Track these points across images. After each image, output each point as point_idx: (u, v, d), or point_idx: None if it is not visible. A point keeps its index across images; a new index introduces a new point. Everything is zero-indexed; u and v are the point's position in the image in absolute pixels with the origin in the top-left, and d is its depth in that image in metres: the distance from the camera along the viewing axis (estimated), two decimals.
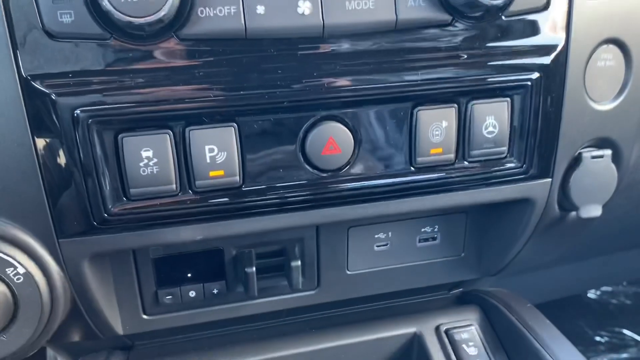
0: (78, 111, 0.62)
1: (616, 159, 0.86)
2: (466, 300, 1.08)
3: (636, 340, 2.07)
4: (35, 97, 0.61)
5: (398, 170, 0.74)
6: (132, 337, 0.95)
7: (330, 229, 0.87)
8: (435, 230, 0.93)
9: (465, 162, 0.76)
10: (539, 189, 0.83)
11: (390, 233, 0.91)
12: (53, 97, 0.61)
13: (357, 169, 0.73)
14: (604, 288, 2.32)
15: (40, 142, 0.63)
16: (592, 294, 2.33)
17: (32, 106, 0.62)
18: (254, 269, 0.82)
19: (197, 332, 0.98)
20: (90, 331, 0.83)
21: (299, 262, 0.83)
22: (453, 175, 0.76)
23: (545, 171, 0.82)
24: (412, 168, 0.74)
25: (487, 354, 0.94)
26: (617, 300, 2.29)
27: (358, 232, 0.89)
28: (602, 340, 2.07)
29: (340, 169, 0.72)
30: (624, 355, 2.02)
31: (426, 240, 0.94)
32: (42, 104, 0.62)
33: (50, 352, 1.50)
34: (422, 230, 0.93)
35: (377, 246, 0.92)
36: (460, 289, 1.13)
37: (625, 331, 2.10)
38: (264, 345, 0.94)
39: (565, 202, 0.86)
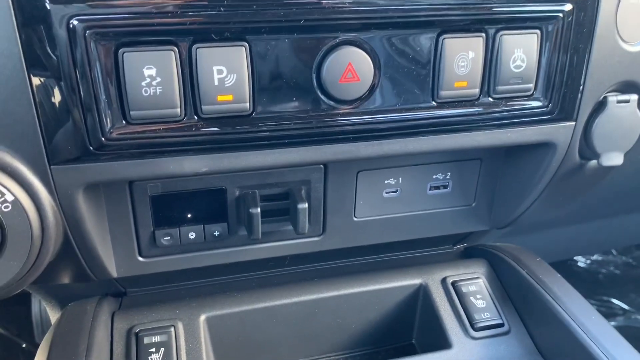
0: (74, 21, 0.56)
1: None
2: (472, 254, 1.05)
3: (624, 309, 2.08)
4: (26, 4, 0.55)
5: (419, 104, 0.69)
6: (125, 283, 0.90)
7: (339, 172, 0.82)
8: (447, 177, 0.89)
9: (490, 99, 0.71)
10: (562, 132, 0.78)
11: (400, 179, 0.87)
12: (46, 3, 0.55)
13: (376, 100, 0.67)
14: (594, 257, 2.33)
15: (32, 56, 0.57)
16: (582, 263, 2.34)
17: (22, 14, 0.55)
18: (259, 210, 0.77)
19: (194, 280, 0.94)
20: (82, 272, 0.78)
21: (306, 205, 0.79)
22: (476, 112, 0.71)
23: (569, 113, 0.77)
24: (434, 102, 0.69)
25: (495, 306, 0.91)
26: (606, 269, 2.30)
27: (367, 176, 0.85)
28: None
29: (358, 99, 0.67)
30: (612, 323, 2.03)
31: (437, 188, 0.90)
32: (34, 11, 0.55)
33: (34, 300, 1.46)
34: (434, 177, 0.88)
35: (387, 192, 0.87)
36: (464, 244, 1.09)
37: (614, 300, 2.11)
38: (265, 293, 0.90)
39: (586, 149, 0.82)
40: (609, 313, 2.07)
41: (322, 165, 0.81)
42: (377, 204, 0.88)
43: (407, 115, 0.69)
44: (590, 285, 2.19)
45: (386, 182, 0.86)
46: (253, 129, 0.65)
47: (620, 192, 1.13)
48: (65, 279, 0.81)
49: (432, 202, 0.90)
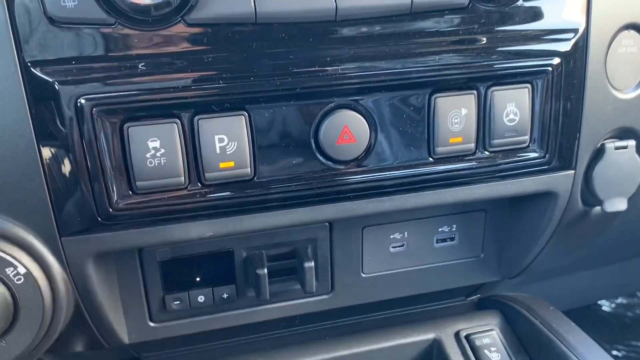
0: (82, 100, 0.59)
1: None
2: (485, 305, 1.04)
3: None
4: (36, 85, 0.59)
5: (416, 161, 0.71)
6: (138, 349, 0.91)
7: (344, 228, 0.84)
8: (453, 229, 0.90)
9: (486, 152, 0.73)
10: (562, 181, 0.79)
11: (406, 233, 0.87)
12: (55, 85, 0.59)
13: (373, 159, 0.69)
14: (619, 300, 2.27)
15: (42, 133, 0.60)
16: (607, 307, 2.28)
17: (33, 95, 0.59)
18: (266, 270, 0.78)
19: (206, 344, 0.94)
20: (94, 339, 0.79)
21: (312, 263, 0.80)
22: (474, 166, 0.73)
23: (568, 162, 0.78)
24: (431, 159, 0.71)
25: (510, 358, 0.90)
26: (633, 313, 2.23)
27: (373, 232, 0.86)
28: (620, 354, 2.02)
29: (355, 159, 0.69)
30: None
31: (444, 240, 0.90)
32: (44, 92, 0.59)
33: None
34: (440, 230, 0.89)
35: (393, 247, 0.88)
36: (478, 295, 1.08)
37: None
38: (276, 354, 0.89)
39: (589, 196, 0.83)
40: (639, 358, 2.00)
41: (327, 223, 0.82)
42: (385, 259, 0.89)
43: (405, 172, 0.71)
44: (617, 330, 2.12)
45: (392, 236, 0.87)
46: (255, 193, 0.67)
47: (632, 235, 1.12)
48: (78, 347, 0.82)
49: (439, 255, 0.91)
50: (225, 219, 0.68)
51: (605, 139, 0.80)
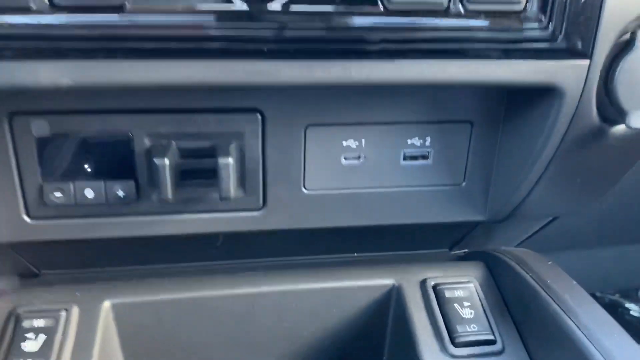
0: None
1: None
2: (470, 258, 0.84)
3: None
4: None
5: (360, 9, 0.51)
6: (36, 262, 0.75)
7: (282, 124, 0.65)
8: (427, 144, 0.69)
9: (463, 9, 0.52)
10: (571, 73, 0.58)
11: (363, 141, 0.68)
12: None
13: None
14: None
15: None
16: (635, 312, 2.04)
17: None
18: (167, 160, 0.60)
19: (115, 267, 0.78)
20: None
21: (230, 159, 0.61)
22: (444, 26, 0.52)
23: (581, 47, 0.57)
24: (382, 6, 0.51)
25: (487, 317, 0.70)
26: None
27: (319, 133, 0.66)
28: None
29: None
30: None
31: (414, 158, 0.70)
32: None
33: None
34: (409, 142, 0.69)
35: (346, 159, 0.69)
36: (465, 250, 0.89)
37: None
38: (191, 282, 0.72)
39: (608, 105, 0.61)
40: None
41: (258, 115, 0.64)
42: (334, 174, 0.69)
43: (344, 21, 0.51)
44: None
45: (345, 143, 0.68)
46: (126, 24, 0.48)
47: None
48: None
49: (406, 176, 0.71)
50: (87, 62, 0.50)
51: (635, 25, 0.59)
